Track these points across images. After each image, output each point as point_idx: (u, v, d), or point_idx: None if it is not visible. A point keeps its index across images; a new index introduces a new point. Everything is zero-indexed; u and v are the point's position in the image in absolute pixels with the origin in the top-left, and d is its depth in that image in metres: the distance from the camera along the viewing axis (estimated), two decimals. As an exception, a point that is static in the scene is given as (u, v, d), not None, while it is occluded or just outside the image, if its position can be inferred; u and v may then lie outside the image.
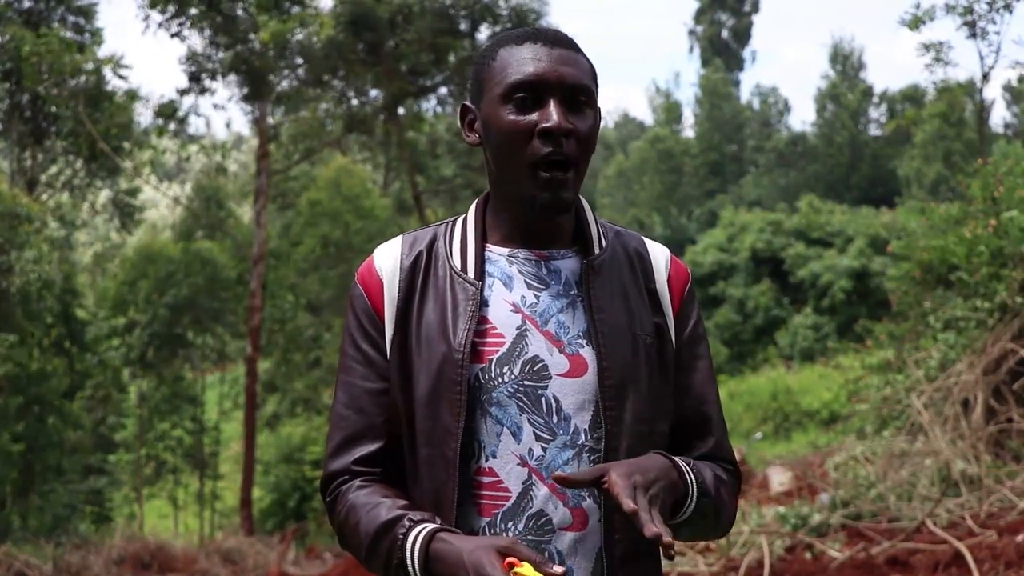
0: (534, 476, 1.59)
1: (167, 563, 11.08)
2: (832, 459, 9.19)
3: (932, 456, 7.40)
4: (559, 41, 1.64)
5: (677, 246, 39.87)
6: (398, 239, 1.73)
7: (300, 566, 11.92)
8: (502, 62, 1.63)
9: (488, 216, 1.72)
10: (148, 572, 10.85)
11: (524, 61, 1.61)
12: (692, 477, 1.60)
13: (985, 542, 5.81)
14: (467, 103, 1.71)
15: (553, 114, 1.58)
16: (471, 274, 1.65)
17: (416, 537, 1.52)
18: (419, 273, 1.67)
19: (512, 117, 1.60)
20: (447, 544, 1.50)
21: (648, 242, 1.78)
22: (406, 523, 1.55)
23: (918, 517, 6.53)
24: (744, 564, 6.38)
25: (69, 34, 18.46)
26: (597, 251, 1.69)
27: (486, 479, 1.59)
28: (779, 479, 11.11)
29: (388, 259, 1.70)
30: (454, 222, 1.74)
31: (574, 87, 1.61)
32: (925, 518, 6.43)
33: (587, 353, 1.63)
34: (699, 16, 55.22)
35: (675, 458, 1.60)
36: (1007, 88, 42.35)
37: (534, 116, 1.60)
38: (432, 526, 1.53)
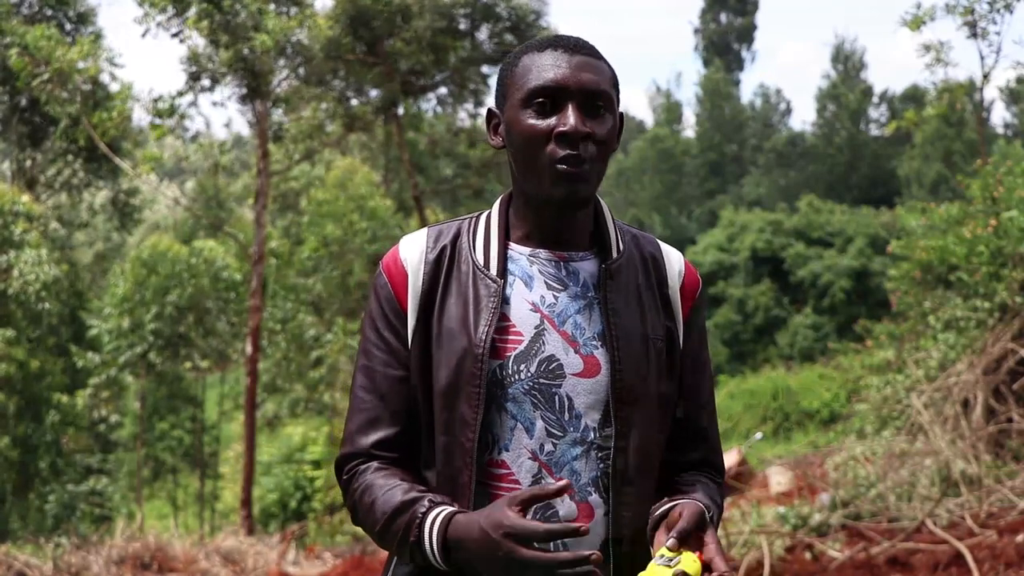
0: (544, 470, 1.65)
1: (167, 563, 11.07)
2: (832, 459, 9.19)
3: (932, 456, 7.39)
4: (579, 48, 1.70)
5: (677, 246, 39.52)
6: (423, 231, 1.79)
7: (300, 566, 11.91)
8: (524, 68, 1.70)
9: (511, 215, 1.77)
10: (148, 572, 10.84)
11: (544, 67, 1.67)
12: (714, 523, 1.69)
13: (985, 542, 5.81)
14: (492, 108, 1.77)
15: (570, 118, 1.63)
16: (494, 271, 1.70)
17: (436, 518, 1.58)
18: (443, 267, 1.73)
19: (531, 121, 1.66)
20: (464, 522, 1.56)
21: (664, 247, 1.83)
22: (426, 503, 1.61)
23: (918, 517, 6.53)
24: (744, 564, 6.38)
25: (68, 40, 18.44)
26: (615, 255, 1.74)
27: (498, 471, 1.66)
28: (779, 479, 11.12)
29: (414, 251, 1.75)
30: (478, 218, 1.79)
31: (592, 92, 1.66)
32: (925, 518, 6.43)
33: (601, 355, 1.68)
34: (703, 15, 55.19)
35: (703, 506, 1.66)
36: (1008, 88, 42.36)
37: (552, 120, 1.65)
38: (451, 509, 1.59)
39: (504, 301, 1.68)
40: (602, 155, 1.67)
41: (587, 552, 1.47)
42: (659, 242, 1.84)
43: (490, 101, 1.89)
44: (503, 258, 1.71)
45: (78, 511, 18.75)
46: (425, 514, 1.59)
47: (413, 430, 1.71)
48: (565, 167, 1.63)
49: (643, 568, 1.53)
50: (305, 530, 17.59)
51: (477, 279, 1.70)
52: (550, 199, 1.67)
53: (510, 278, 1.71)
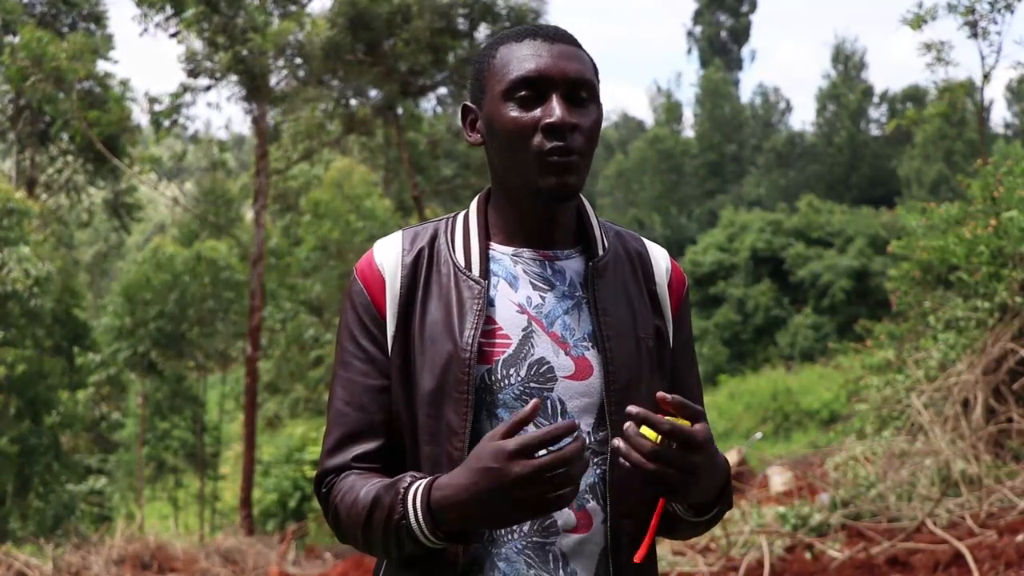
0: None
1: (167, 563, 11.07)
2: (832, 459, 9.17)
3: (932, 456, 7.39)
4: (559, 37, 1.63)
5: (677, 246, 39.84)
6: (398, 234, 1.71)
7: (300, 566, 11.91)
8: (503, 60, 1.62)
9: (490, 214, 1.70)
10: (148, 572, 10.84)
11: (525, 58, 1.60)
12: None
13: (985, 542, 5.81)
14: (468, 103, 1.69)
15: (556, 109, 1.57)
16: (476, 272, 1.62)
17: (419, 487, 1.49)
18: (421, 270, 1.64)
19: (515, 114, 1.59)
20: (447, 476, 1.48)
21: (648, 243, 1.78)
22: (408, 479, 1.52)
23: (918, 517, 6.53)
24: (744, 564, 6.38)
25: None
26: (601, 252, 1.68)
27: None
28: (779, 479, 11.10)
29: (389, 255, 1.66)
30: (454, 218, 1.72)
31: (576, 82, 1.60)
32: (925, 518, 6.42)
33: (592, 356, 1.62)
34: (697, 17, 55.23)
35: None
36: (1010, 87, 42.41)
37: (537, 112, 1.58)
38: (432, 477, 1.51)
39: (489, 303, 1.61)
40: (589, 146, 1.61)
41: (574, 429, 1.42)
42: (643, 239, 1.78)
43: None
44: (485, 258, 1.64)
45: (78, 511, 18.76)
46: (408, 487, 1.49)
47: (395, 442, 1.62)
48: (555, 157, 1.57)
49: None
50: (305, 530, 17.59)
51: (459, 281, 1.62)
52: (539, 191, 1.59)
53: (493, 279, 1.63)
